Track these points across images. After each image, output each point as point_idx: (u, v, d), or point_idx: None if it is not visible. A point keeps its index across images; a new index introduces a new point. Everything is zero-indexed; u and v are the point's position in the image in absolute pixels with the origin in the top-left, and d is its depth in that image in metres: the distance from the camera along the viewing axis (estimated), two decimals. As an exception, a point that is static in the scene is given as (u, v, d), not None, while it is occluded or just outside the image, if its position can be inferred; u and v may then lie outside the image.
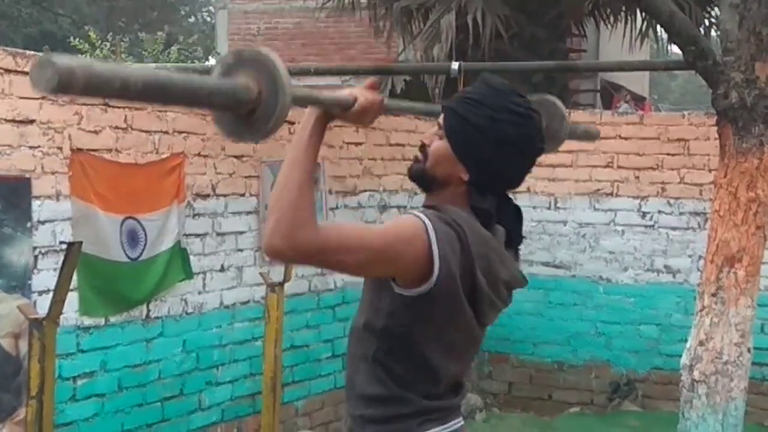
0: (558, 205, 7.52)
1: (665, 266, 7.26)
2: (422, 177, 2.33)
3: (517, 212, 2.37)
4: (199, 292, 5.49)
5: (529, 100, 2.32)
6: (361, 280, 2.33)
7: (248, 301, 5.82)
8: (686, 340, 4.82)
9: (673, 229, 7.24)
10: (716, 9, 10.16)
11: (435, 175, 2.30)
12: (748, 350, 4.65)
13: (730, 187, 4.63)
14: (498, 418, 7.23)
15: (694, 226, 7.14)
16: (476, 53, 9.61)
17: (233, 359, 5.74)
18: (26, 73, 4.43)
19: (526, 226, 8.35)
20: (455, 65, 7.09)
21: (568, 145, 7.15)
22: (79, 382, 4.79)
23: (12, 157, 4.39)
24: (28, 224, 4.46)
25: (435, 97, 9.99)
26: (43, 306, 4.13)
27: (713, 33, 10.53)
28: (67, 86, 1.65)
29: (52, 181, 4.57)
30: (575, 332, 7.49)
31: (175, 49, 15.38)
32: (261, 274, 5.51)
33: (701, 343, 4.65)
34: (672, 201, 7.22)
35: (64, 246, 4.14)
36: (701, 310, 4.69)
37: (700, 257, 6.44)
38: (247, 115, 2.00)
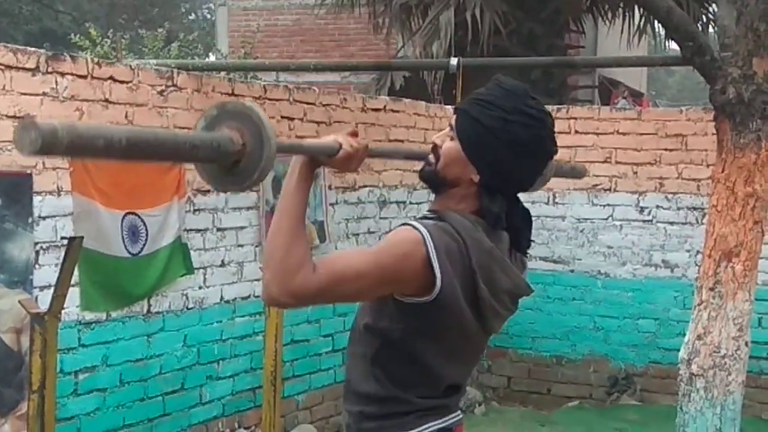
0: (556, 200, 7.55)
1: (663, 261, 7.29)
2: (433, 178, 2.32)
3: (526, 215, 2.35)
4: (200, 287, 5.52)
5: (541, 102, 2.30)
6: None
7: (249, 296, 5.85)
8: (684, 335, 4.84)
9: (671, 223, 7.26)
10: (714, 5, 10.18)
11: (446, 176, 2.29)
12: (746, 344, 4.67)
13: (728, 182, 4.65)
14: (497, 412, 7.26)
15: (692, 221, 7.16)
16: (475, 49, 9.63)
17: (234, 354, 5.76)
18: (27, 70, 4.46)
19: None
20: (454, 61, 7.13)
21: (566, 140, 7.24)
22: (81, 377, 4.81)
23: (13, 153, 4.40)
24: (30, 220, 4.48)
25: (434, 93, 10.01)
26: (44, 301, 4.15)
27: (711, 29, 10.54)
28: (50, 147, 1.67)
29: (53, 176, 4.59)
30: (574, 327, 7.52)
31: (176, 46, 15.35)
32: (261, 269, 5.52)
33: (699, 337, 4.68)
34: (670, 196, 7.25)
35: (65, 241, 4.16)
36: (699, 305, 4.71)
37: (697, 252, 6.46)
38: (231, 165, 2.02)
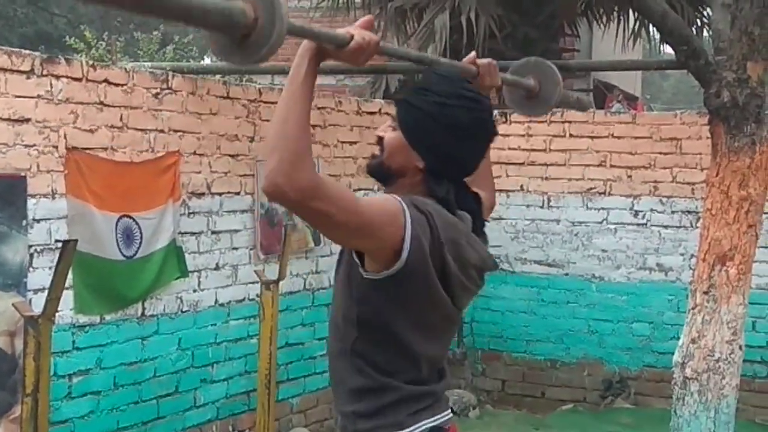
0: (551, 203, 7.55)
1: (657, 264, 7.29)
2: (380, 170, 2.36)
3: (476, 198, 2.39)
4: (195, 290, 5.51)
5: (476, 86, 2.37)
6: None
7: (243, 299, 5.84)
8: (678, 338, 4.85)
9: (666, 227, 7.27)
10: (708, 9, 10.19)
11: (391, 166, 2.33)
12: (740, 348, 4.69)
13: (722, 186, 4.66)
14: (491, 416, 7.26)
15: (687, 225, 7.17)
16: (470, 53, 9.61)
17: (228, 357, 5.76)
18: (22, 72, 4.46)
19: (519, 225, 8.39)
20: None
21: (561, 143, 7.25)
22: (75, 380, 4.80)
23: (7, 155, 4.40)
24: (24, 222, 4.48)
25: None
26: (38, 304, 4.14)
27: (705, 33, 10.56)
28: None
29: (48, 179, 4.58)
30: (568, 330, 7.52)
31: (171, 49, 15.38)
32: (256, 272, 5.53)
33: (693, 341, 4.69)
34: (664, 200, 7.26)
35: (59, 244, 4.16)
36: (693, 308, 4.72)
37: (692, 255, 6.47)
38: (240, 39, 1.97)
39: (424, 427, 2.28)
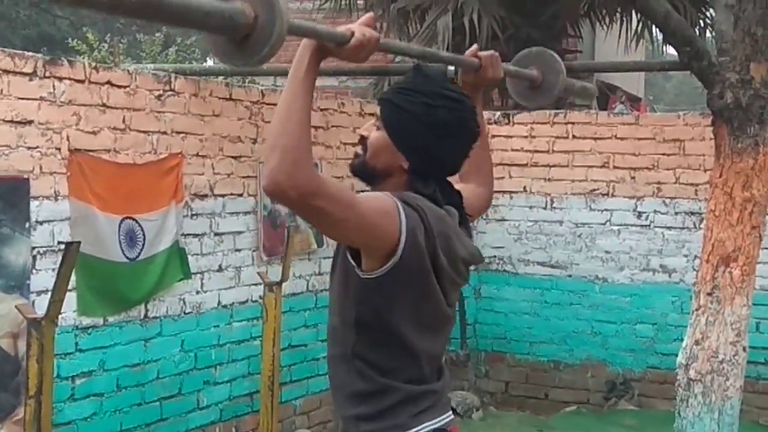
0: (554, 205, 7.54)
1: (661, 266, 7.28)
2: (364, 169, 2.37)
3: (459, 197, 2.42)
4: (197, 292, 5.51)
5: (458, 86, 2.40)
6: None
7: (246, 301, 5.84)
8: (682, 339, 4.84)
9: (669, 228, 7.26)
10: (711, 10, 10.18)
11: (376, 166, 2.34)
12: (744, 349, 4.68)
13: (726, 187, 4.65)
14: (495, 417, 7.25)
15: (690, 226, 7.16)
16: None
17: (231, 359, 5.76)
18: (25, 74, 4.46)
19: (522, 226, 8.40)
20: (452, 66, 7.12)
21: (564, 145, 7.24)
22: (78, 382, 4.80)
23: (10, 157, 4.40)
24: (27, 224, 4.48)
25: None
26: (41, 306, 4.14)
27: (708, 34, 10.54)
28: None
29: (51, 181, 4.58)
30: (571, 331, 7.52)
31: (173, 51, 15.38)
32: (259, 273, 5.53)
33: (697, 342, 4.68)
34: (667, 201, 7.25)
35: (62, 246, 4.15)
36: (697, 309, 4.71)
37: (695, 257, 6.46)
38: (241, 39, 1.98)
39: (426, 429, 2.28)
